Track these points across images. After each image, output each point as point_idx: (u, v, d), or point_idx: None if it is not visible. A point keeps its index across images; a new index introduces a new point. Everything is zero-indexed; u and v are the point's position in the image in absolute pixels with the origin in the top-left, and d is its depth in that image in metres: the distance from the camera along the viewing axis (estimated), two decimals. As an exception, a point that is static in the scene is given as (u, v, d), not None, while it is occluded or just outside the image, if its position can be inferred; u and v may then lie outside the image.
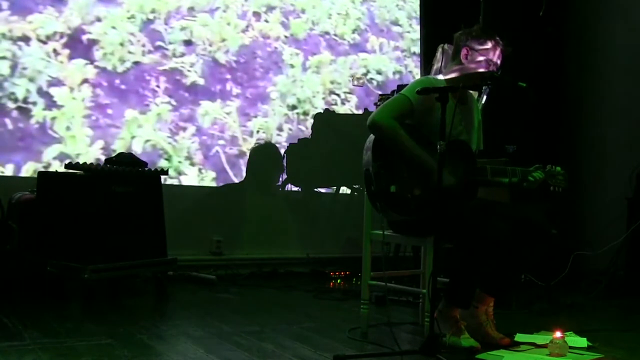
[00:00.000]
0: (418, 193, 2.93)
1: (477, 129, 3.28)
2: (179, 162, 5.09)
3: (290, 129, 5.54)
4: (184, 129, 5.13)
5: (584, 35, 5.75)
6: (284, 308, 3.99)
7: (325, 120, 5.54)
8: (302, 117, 5.59)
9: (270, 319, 3.56)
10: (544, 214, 3.29)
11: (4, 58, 4.57)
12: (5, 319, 3.21)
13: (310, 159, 5.49)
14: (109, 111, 4.88)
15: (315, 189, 5.65)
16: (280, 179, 5.43)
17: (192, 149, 5.15)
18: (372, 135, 3.03)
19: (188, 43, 5.21)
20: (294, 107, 5.57)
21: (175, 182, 4.98)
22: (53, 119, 4.67)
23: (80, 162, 3.98)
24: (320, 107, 5.65)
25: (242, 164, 5.33)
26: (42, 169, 4.46)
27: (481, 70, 3.11)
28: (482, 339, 3.02)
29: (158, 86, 5.07)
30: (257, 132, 5.39)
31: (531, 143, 5.02)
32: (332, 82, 5.74)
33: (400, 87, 4.36)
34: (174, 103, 5.10)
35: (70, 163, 3.93)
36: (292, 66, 5.59)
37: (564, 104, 5.80)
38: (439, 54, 4.43)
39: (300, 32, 5.66)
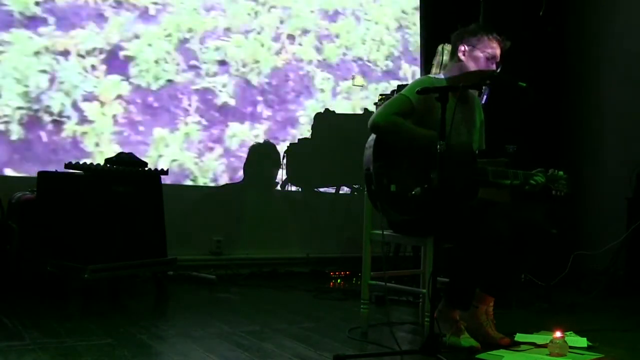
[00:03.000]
0: (418, 192, 2.92)
1: (479, 128, 3.27)
2: (204, 183, 5.15)
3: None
4: (212, 149, 5.17)
5: (584, 35, 5.75)
6: (284, 308, 3.99)
7: (325, 120, 5.53)
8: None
9: (270, 319, 3.56)
10: (544, 214, 3.28)
11: (44, 72, 4.64)
12: (5, 319, 3.21)
13: (310, 159, 5.49)
14: (140, 128, 4.94)
15: (315, 189, 5.65)
16: (280, 179, 5.43)
17: (219, 171, 5.20)
18: (373, 134, 3.03)
19: (222, 63, 5.26)
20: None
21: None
22: (84, 133, 4.74)
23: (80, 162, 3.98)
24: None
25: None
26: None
27: (481, 67, 3.10)
28: (482, 339, 3.02)
29: (190, 105, 5.13)
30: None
31: (531, 143, 5.02)
32: (362, 110, 5.75)
33: (401, 87, 4.36)
34: (205, 123, 5.16)
35: (70, 163, 3.93)
36: (322, 91, 5.61)
37: (564, 104, 5.79)
38: (438, 54, 4.43)
39: (333, 57, 5.71)
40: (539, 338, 3.14)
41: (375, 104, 4.76)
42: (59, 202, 3.94)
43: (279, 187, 5.45)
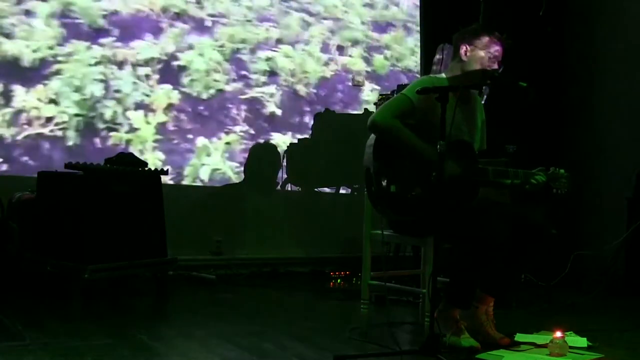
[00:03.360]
0: (419, 192, 2.92)
1: (480, 128, 3.27)
2: None
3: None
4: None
5: (584, 35, 5.75)
6: (284, 308, 3.99)
7: (325, 120, 5.53)
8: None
9: (270, 319, 3.57)
10: (544, 214, 3.29)
11: (101, 81, 4.78)
12: (6, 319, 3.21)
13: (310, 159, 5.49)
14: (189, 136, 5.05)
15: (315, 189, 5.65)
16: (280, 179, 5.43)
17: None
18: (373, 134, 3.03)
19: (271, 74, 5.35)
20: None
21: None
22: (129, 140, 4.87)
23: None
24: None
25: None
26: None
27: (482, 67, 3.10)
28: (482, 339, 3.02)
29: (238, 114, 5.24)
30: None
31: (531, 143, 5.02)
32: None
33: (401, 87, 4.36)
34: (252, 132, 5.27)
35: (70, 163, 3.93)
36: (368, 102, 5.64)
37: (564, 103, 5.79)
38: (439, 54, 4.43)
39: (382, 69, 5.76)
40: (539, 338, 3.14)
41: (375, 103, 4.76)
42: (59, 202, 3.94)
43: (279, 187, 5.45)
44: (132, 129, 4.88)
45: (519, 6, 5.33)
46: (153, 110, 4.94)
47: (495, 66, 3.13)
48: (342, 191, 5.66)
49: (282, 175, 5.42)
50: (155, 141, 4.94)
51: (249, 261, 5.15)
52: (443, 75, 3.23)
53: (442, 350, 2.72)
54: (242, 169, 5.23)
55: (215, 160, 5.13)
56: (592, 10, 5.72)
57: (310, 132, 5.51)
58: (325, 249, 5.45)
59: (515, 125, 4.94)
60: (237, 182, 5.25)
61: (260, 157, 5.33)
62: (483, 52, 3.11)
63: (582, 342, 3.11)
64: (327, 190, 5.67)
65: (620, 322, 3.76)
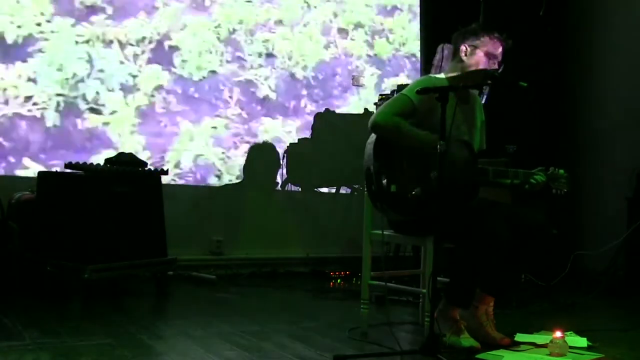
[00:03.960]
0: (419, 192, 2.92)
1: (480, 128, 3.27)
2: (230, 180, 5.16)
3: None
4: (246, 143, 5.17)
5: (584, 35, 5.75)
6: (284, 308, 3.99)
7: (325, 120, 5.53)
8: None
9: (270, 319, 3.56)
10: (544, 214, 3.28)
11: (84, 59, 4.67)
12: (5, 319, 3.21)
13: (310, 159, 5.49)
14: (177, 119, 4.95)
15: (315, 189, 5.65)
16: (281, 179, 5.43)
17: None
18: (373, 134, 3.03)
19: (268, 56, 5.24)
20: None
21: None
22: (107, 123, 4.76)
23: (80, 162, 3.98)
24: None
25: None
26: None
27: (482, 66, 3.10)
28: (482, 339, 3.02)
29: (231, 97, 5.12)
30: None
31: (531, 143, 5.02)
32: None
33: (401, 87, 4.36)
34: (245, 115, 5.15)
35: (70, 163, 3.93)
36: (366, 87, 5.55)
37: (563, 103, 5.79)
38: (439, 54, 4.43)
39: (384, 53, 5.63)
40: (539, 338, 3.14)
41: (375, 103, 4.76)
42: (59, 202, 3.94)
43: (279, 187, 5.45)
44: (113, 111, 4.76)
45: (519, 6, 5.34)
46: (138, 91, 4.81)
47: (495, 66, 3.13)
48: (342, 191, 5.66)
49: (282, 175, 5.42)
50: (135, 124, 4.82)
51: (249, 261, 5.15)
52: (442, 75, 3.23)
53: (442, 350, 2.72)
54: (228, 155, 5.12)
55: (198, 145, 5.01)
56: (592, 10, 5.72)
57: (311, 133, 5.51)
58: (325, 249, 5.45)
59: (515, 125, 4.94)
60: (237, 181, 5.25)
61: (260, 157, 5.33)
62: (483, 53, 3.11)
63: (582, 342, 3.11)
64: (327, 190, 5.67)
65: (620, 322, 3.75)
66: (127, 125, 4.80)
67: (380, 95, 4.80)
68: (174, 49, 4.94)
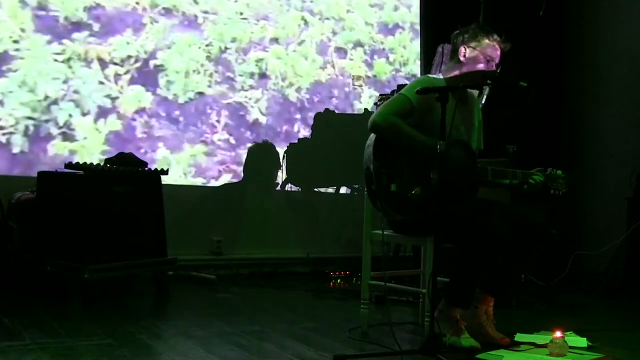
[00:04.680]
0: (418, 192, 2.92)
1: (478, 129, 3.27)
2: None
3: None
4: (229, 173, 4.96)
5: (584, 35, 5.75)
6: (284, 308, 3.99)
7: (325, 120, 5.53)
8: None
9: (270, 319, 3.56)
10: (544, 214, 3.29)
11: (59, 79, 4.42)
12: (5, 319, 3.21)
13: (310, 159, 5.49)
14: (160, 144, 4.70)
15: (315, 189, 5.65)
16: (280, 179, 5.43)
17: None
18: (372, 134, 3.03)
19: (261, 76, 4.97)
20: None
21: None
22: (73, 151, 4.53)
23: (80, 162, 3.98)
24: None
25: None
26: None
27: (480, 68, 3.10)
28: (482, 339, 3.02)
29: (218, 121, 4.86)
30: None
31: (531, 143, 5.02)
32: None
33: (400, 87, 4.36)
34: (233, 141, 4.90)
35: (70, 163, 3.93)
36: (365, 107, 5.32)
37: (563, 103, 5.80)
38: (438, 54, 4.43)
39: (383, 74, 5.38)
40: (539, 338, 3.14)
41: (375, 104, 4.76)
42: (59, 202, 3.94)
43: (279, 187, 5.45)
44: (82, 138, 4.50)
45: (518, 6, 5.34)
46: (115, 114, 4.55)
47: (493, 69, 3.13)
48: (342, 191, 5.66)
49: (282, 175, 5.42)
50: (104, 152, 4.55)
51: (249, 261, 5.15)
52: (440, 75, 3.23)
53: (442, 350, 2.72)
54: (211, 184, 5.00)
55: (174, 175, 4.63)
56: (592, 10, 5.72)
57: (310, 132, 5.51)
58: (325, 249, 5.45)
59: (516, 125, 4.95)
60: (237, 181, 5.25)
61: (260, 157, 5.33)
62: (482, 55, 3.11)
63: (582, 342, 3.11)
64: (327, 190, 5.67)
65: (620, 322, 3.76)
66: (96, 154, 4.56)
67: (381, 95, 4.80)
68: (159, 68, 4.67)
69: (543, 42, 5.54)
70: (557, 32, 5.65)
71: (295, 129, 5.12)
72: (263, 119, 5.03)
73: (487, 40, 3.12)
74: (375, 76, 5.44)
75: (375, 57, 5.44)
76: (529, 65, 5.12)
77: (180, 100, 4.78)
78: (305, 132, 5.26)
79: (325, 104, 5.21)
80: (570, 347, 2.95)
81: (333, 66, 5.23)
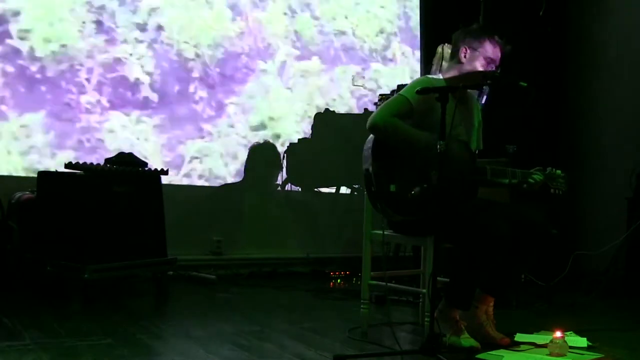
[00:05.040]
0: (418, 192, 2.92)
1: (477, 129, 3.27)
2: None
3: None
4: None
5: (584, 35, 5.75)
6: (284, 308, 3.99)
7: (325, 120, 5.53)
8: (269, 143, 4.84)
9: (270, 319, 3.57)
10: (544, 214, 3.29)
11: None
12: (5, 319, 3.21)
13: (310, 159, 5.49)
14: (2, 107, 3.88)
15: (315, 189, 5.65)
16: (281, 179, 5.43)
17: None
18: (372, 134, 3.03)
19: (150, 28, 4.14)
20: (257, 129, 4.77)
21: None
22: None
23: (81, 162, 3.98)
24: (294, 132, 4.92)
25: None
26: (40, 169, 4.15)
27: (480, 69, 3.11)
28: (482, 339, 3.02)
29: (88, 80, 4.02)
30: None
31: (531, 143, 5.02)
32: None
33: (400, 87, 4.36)
34: (106, 105, 4.11)
35: (70, 163, 3.93)
36: (264, 72, 4.63)
37: (564, 104, 5.80)
38: (438, 54, 4.42)
39: (306, 30, 4.70)
40: (539, 338, 3.14)
41: (375, 104, 4.76)
42: (59, 202, 3.94)
43: (279, 187, 5.45)
44: None
45: (518, 6, 5.34)
46: None
47: (493, 70, 3.13)
48: (342, 191, 5.66)
49: (282, 175, 5.42)
50: None
51: (249, 261, 5.15)
52: (440, 76, 3.23)
53: (442, 350, 2.72)
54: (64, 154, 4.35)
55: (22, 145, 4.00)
56: (592, 10, 5.72)
57: (310, 132, 5.51)
58: (325, 249, 5.45)
59: (516, 125, 4.94)
60: (236, 181, 5.25)
61: (260, 157, 5.33)
62: (482, 56, 3.11)
63: (582, 342, 3.11)
64: (327, 190, 5.67)
65: (620, 322, 3.76)
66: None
67: (380, 95, 4.80)
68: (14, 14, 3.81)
69: (543, 42, 5.54)
70: (557, 32, 5.65)
71: (190, 89, 4.39)
72: (147, 78, 4.28)
73: (488, 42, 3.12)
74: (296, 32, 4.76)
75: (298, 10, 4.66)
76: (529, 65, 5.12)
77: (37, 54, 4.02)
78: (203, 94, 4.49)
79: (234, 61, 4.39)
80: (570, 347, 2.95)
81: (247, 19, 4.46)
